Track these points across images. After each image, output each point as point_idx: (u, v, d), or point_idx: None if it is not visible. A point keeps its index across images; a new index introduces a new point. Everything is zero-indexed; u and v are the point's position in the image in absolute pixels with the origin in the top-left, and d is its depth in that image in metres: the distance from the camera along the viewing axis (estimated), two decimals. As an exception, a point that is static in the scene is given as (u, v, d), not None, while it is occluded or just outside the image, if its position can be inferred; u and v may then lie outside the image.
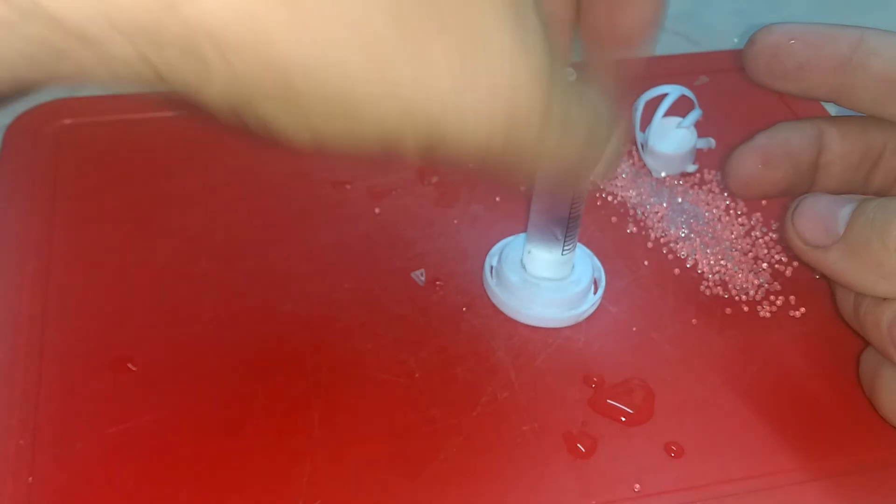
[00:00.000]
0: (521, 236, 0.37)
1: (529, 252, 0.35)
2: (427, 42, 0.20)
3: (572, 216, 0.33)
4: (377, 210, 0.40)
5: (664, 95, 0.42)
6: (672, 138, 0.42)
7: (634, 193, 0.41)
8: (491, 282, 0.36)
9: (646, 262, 0.38)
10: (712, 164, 0.43)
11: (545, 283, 0.35)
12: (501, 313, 0.35)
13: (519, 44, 0.21)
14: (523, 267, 0.36)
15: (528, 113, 0.21)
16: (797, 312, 0.36)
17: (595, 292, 0.36)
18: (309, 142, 0.21)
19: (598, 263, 0.37)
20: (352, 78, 0.19)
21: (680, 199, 0.41)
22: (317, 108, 0.20)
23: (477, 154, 0.21)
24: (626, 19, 0.28)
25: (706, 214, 0.40)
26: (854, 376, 0.34)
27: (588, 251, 0.37)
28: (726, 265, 0.38)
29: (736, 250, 0.39)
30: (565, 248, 0.34)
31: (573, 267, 0.36)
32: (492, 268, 0.36)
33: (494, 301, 0.36)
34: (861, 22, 0.33)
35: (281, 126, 0.20)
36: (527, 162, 0.23)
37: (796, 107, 0.47)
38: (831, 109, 0.48)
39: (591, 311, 0.36)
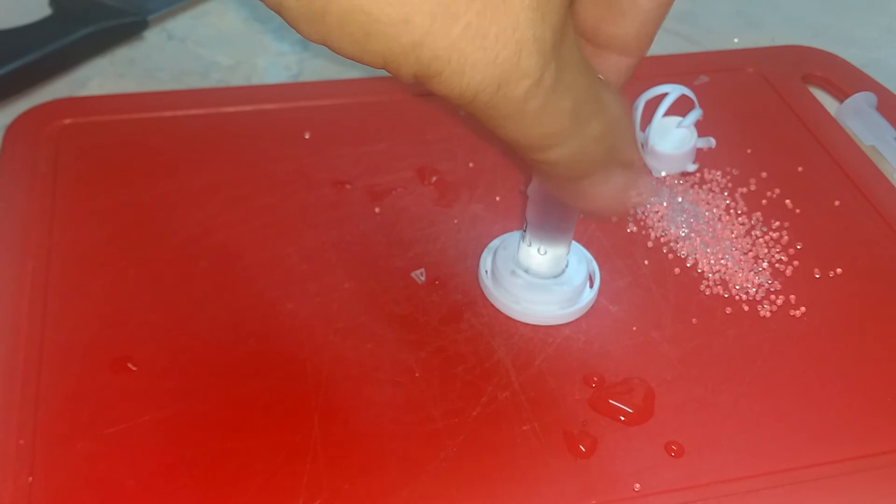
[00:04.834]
0: (513, 235, 0.37)
1: (528, 249, 0.35)
2: None
3: (572, 210, 0.33)
4: (377, 210, 0.40)
5: (664, 95, 0.42)
6: (672, 138, 0.42)
7: (634, 193, 0.41)
8: (488, 283, 0.36)
9: (646, 262, 0.38)
10: (712, 163, 0.43)
11: (544, 280, 0.35)
12: (501, 313, 0.35)
13: (536, 11, 0.21)
14: (520, 266, 0.36)
15: (522, 74, 0.22)
16: (797, 312, 0.36)
17: (591, 286, 0.36)
18: (317, 40, 0.22)
19: (590, 255, 0.37)
20: None
21: (680, 199, 0.41)
22: (334, 16, 0.21)
23: (465, 98, 0.22)
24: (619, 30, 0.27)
25: (706, 214, 0.40)
26: (854, 376, 0.34)
27: (576, 244, 0.37)
28: (726, 264, 0.38)
29: (736, 249, 0.39)
30: (564, 243, 0.34)
31: (568, 262, 0.36)
32: (486, 271, 0.36)
33: (494, 303, 0.36)
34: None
35: (292, 21, 0.21)
36: (511, 122, 0.23)
37: (796, 107, 0.47)
38: (831, 109, 0.48)
39: (590, 304, 0.36)
